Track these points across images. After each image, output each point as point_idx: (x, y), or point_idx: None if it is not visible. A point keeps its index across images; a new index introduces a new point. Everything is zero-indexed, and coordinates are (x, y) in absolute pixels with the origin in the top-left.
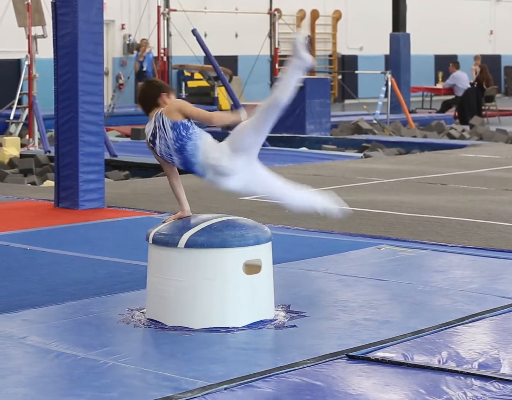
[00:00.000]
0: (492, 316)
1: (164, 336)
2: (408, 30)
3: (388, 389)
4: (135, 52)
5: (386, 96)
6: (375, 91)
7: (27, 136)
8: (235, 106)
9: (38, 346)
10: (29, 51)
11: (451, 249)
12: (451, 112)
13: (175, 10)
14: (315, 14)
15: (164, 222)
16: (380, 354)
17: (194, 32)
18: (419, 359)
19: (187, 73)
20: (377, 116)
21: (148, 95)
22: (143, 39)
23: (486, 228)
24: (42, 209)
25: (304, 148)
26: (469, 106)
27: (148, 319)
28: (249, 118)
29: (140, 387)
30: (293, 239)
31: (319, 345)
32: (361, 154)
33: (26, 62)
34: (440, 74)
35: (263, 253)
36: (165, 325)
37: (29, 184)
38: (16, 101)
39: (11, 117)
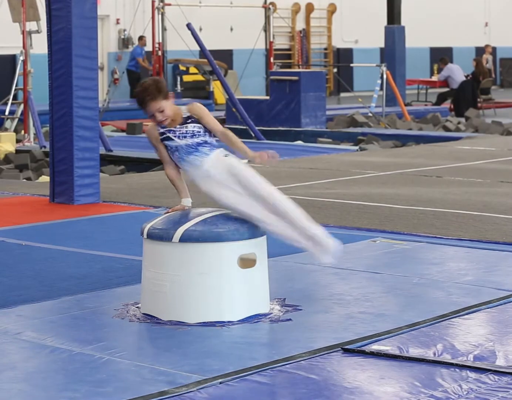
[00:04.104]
0: (488, 308)
1: (159, 331)
2: (403, 23)
3: (383, 382)
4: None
5: (381, 89)
6: (370, 84)
7: (23, 131)
8: (230, 100)
9: (33, 342)
10: (23, 47)
11: (446, 241)
12: (447, 104)
13: (169, 5)
14: (310, 7)
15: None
16: (375, 347)
17: (189, 26)
18: (414, 351)
19: (182, 68)
20: (372, 109)
21: None
22: (142, 37)
23: (481, 220)
24: (38, 204)
25: (299, 142)
26: (465, 98)
27: (143, 313)
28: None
29: (135, 382)
30: None
31: (314, 339)
32: (356, 147)
33: (21, 58)
34: (436, 66)
35: (258, 246)
36: (160, 319)
37: (24, 180)
38: (11, 97)
39: (6, 113)
